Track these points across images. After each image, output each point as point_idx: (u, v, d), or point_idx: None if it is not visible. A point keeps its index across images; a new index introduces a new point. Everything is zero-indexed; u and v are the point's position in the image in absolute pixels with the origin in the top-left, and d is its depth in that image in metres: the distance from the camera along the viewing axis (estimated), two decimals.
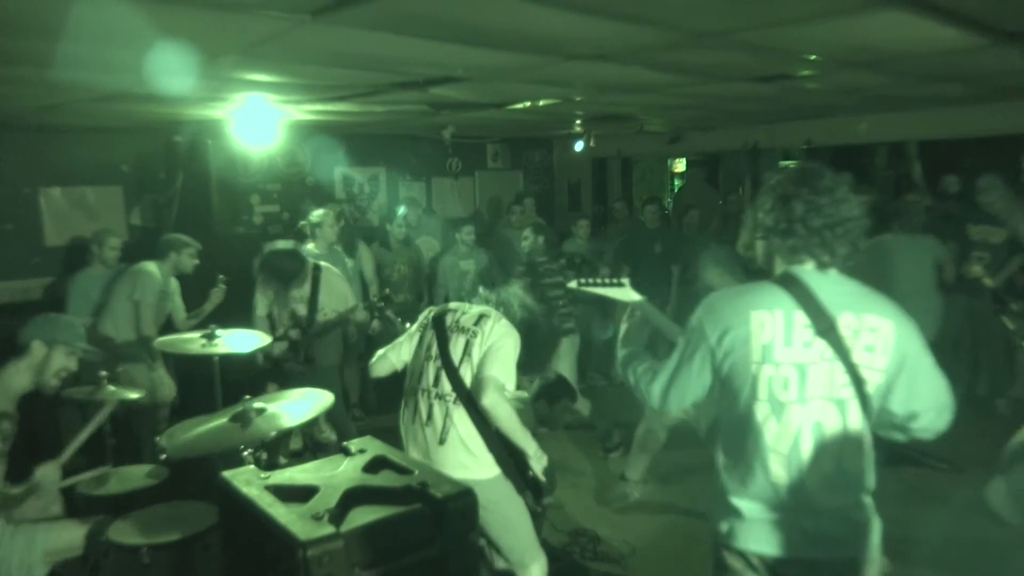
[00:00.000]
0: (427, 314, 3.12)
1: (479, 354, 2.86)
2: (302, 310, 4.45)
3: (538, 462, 2.90)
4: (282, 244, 4.72)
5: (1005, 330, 5.40)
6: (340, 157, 7.76)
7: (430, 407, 2.91)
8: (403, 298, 4.69)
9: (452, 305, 3.14)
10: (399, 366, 3.14)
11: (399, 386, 3.19)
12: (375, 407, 6.50)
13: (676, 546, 4.13)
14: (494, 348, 2.85)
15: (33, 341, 2.99)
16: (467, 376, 2.86)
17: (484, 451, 2.85)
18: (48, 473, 2.88)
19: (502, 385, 2.81)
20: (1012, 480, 3.60)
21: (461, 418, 2.84)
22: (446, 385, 2.87)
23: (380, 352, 3.21)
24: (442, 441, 2.85)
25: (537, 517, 3.04)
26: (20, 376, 2.96)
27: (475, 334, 2.89)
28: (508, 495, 2.90)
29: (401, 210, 6.76)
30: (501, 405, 2.77)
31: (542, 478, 2.92)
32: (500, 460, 2.87)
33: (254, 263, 4.72)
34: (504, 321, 2.96)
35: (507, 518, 2.89)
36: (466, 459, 2.84)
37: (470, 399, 2.83)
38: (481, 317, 2.95)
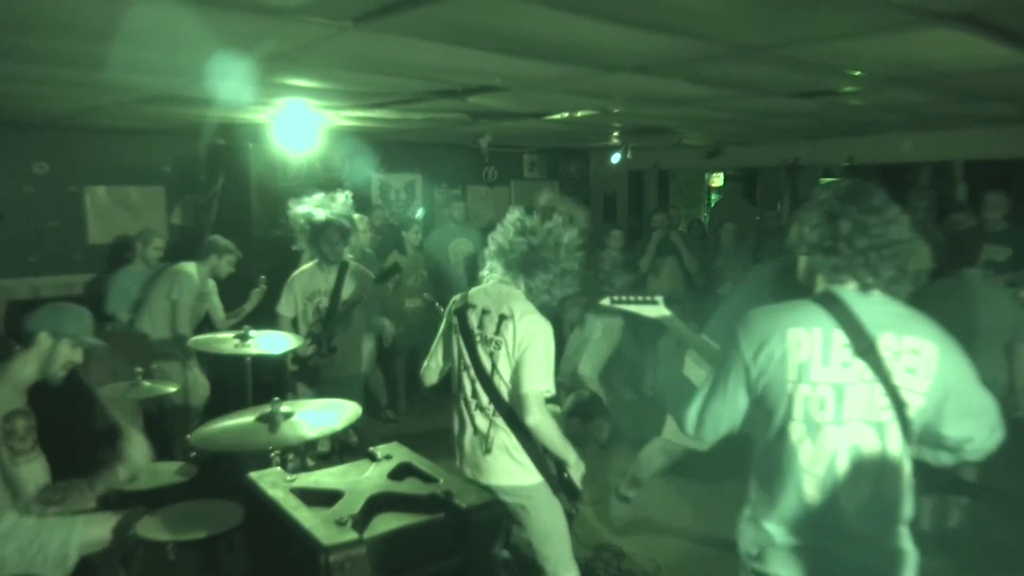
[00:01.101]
0: (450, 308, 3.03)
1: (509, 365, 2.80)
2: (325, 303, 4.46)
3: (577, 470, 2.89)
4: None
5: None
6: (377, 163, 7.82)
7: (472, 417, 2.89)
8: (421, 302, 4.66)
9: (472, 297, 2.96)
10: (442, 370, 3.11)
11: (429, 389, 3.19)
12: (405, 410, 6.52)
13: (702, 565, 4.06)
14: (525, 357, 2.75)
15: (40, 332, 2.90)
16: (501, 387, 2.82)
17: (527, 458, 2.84)
18: (137, 448, 2.83)
19: (543, 397, 2.75)
20: None
21: (503, 428, 2.82)
22: (484, 397, 2.84)
23: (425, 364, 3.17)
24: (487, 451, 2.84)
25: (569, 520, 3.02)
26: (27, 367, 2.88)
27: (499, 344, 2.80)
28: (550, 502, 2.89)
29: (419, 212, 6.75)
30: (545, 423, 2.74)
31: (579, 484, 2.91)
32: (540, 466, 2.85)
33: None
34: (528, 318, 2.78)
35: (547, 525, 2.89)
36: (512, 466, 2.83)
37: (509, 411, 2.80)
38: (502, 320, 2.81)
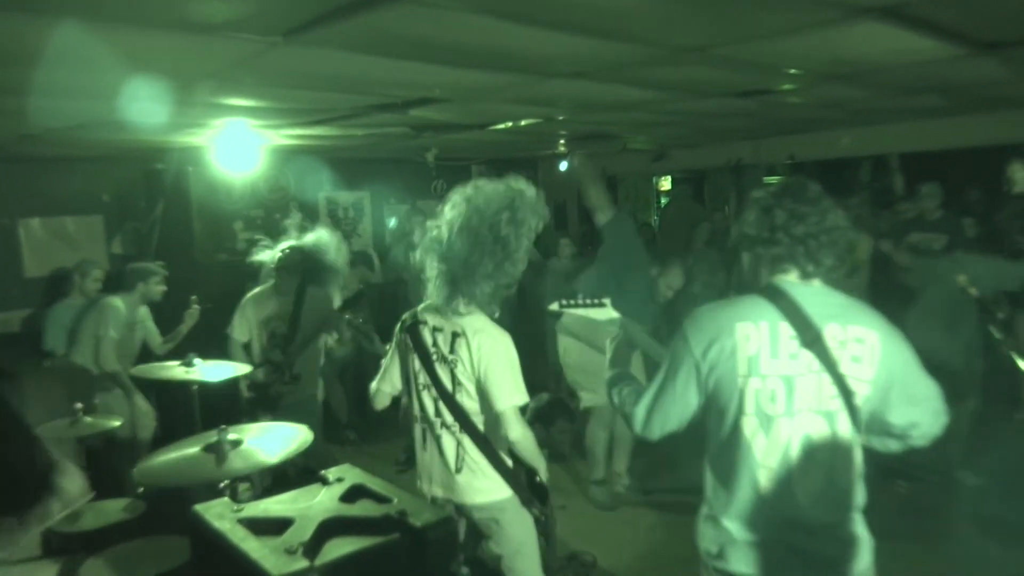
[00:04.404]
0: (400, 326, 2.94)
1: (471, 382, 2.73)
2: (282, 329, 4.35)
3: (544, 476, 2.85)
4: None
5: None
6: (324, 182, 7.73)
7: (439, 437, 2.81)
8: (363, 317, 4.69)
9: (421, 314, 2.86)
10: (396, 393, 3.02)
11: (390, 408, 3.11)
12: (366, 430, 6.42)
13: (676, 569, 4.05)
14: (487, 375, 2.66)
15: None
16: (466, 404, 2.76)
17: (495, 473, 2.79)
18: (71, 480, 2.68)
19: (519, 410, 2.69)
20: None
21: (470, 445, 2.76)
22: (448, 415, 2.78)
23: (373, 385, 3.07)
24: (458, 469, 2.78)
25: (542, 526, 2.97)
26: None
27: (456, 363, 2.74)
28: (520, 516, 2.84)
29: (392, 222, 6.73)
30: (527, 437, 2.70)
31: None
32: (509, 479, 2.80)
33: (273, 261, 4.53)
34: (480, 336, 2.69)
35: (519, 540, 2.84)
36: (484, 483, 2.78)
37: (474, 428, 2.75)
38: (455, 338, 2.74)
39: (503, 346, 2.71)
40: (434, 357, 2.79)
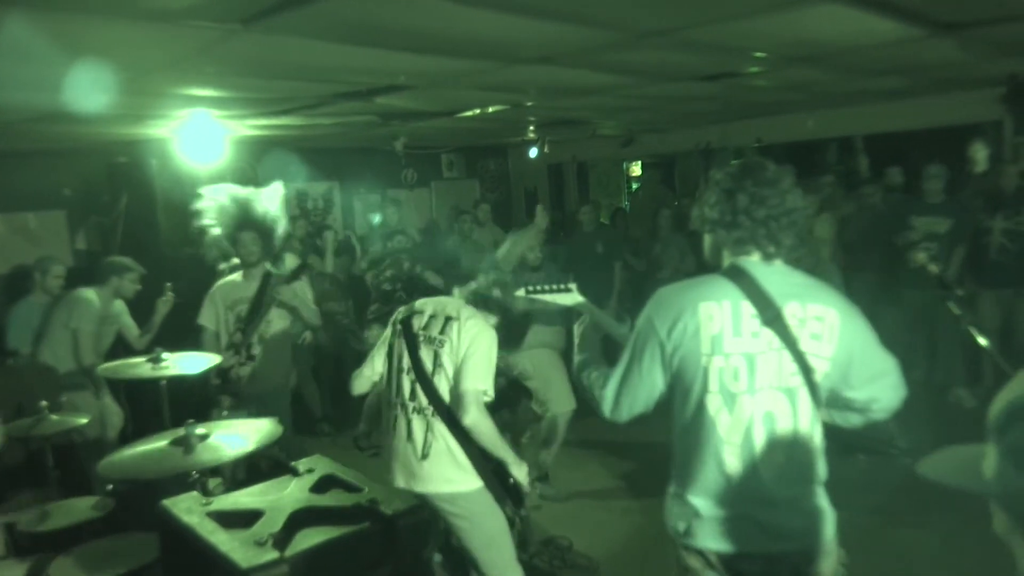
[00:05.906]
0: (396, 317, 2.99)
1: (452, 364, 2.77)
2: (245, 311, 4.31)
3: (518, 469, 2.85)
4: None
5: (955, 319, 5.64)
6: (293, 172, 7.63)
7: (409, 421, 2.81)
8: (342, 307, 4.65)
9: (418, 305, 2.97)
10: (376, 379, 3.03)
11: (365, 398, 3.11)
12: (341, 423, 6.38)
13: (643, 549, 4.09)
14: (467, 356, 2.74)
15: None
16: (443, 387, 2.77)
17: (467, 462, 2.78)
18: None
19: (481, 395, 2.73)
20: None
21: (442, 431, 2.76)
22: (423, 398, 2.78)
23: (357, 371, 3.09)
24: (424, 456, 2.76)
25: (515, 526, 2.97)
26: None
27: (442, 343, 2.79)
28: (491, 508, 2.83)
29: (376, 218, 6.71)
30: (483, 422, 2.72)
31: (524, 485, 2.86)
32: (481, 471, 2.80)
33: None
34: (473, 320, 2.82)
35: (489, 533, 2.82)
36: (451, 472, 2.76)
37: (449, 412, 2.76)
38: (448, 321, 2.82)
39: (489, 337, 2.82)
40: (420, 339, 2.84)
